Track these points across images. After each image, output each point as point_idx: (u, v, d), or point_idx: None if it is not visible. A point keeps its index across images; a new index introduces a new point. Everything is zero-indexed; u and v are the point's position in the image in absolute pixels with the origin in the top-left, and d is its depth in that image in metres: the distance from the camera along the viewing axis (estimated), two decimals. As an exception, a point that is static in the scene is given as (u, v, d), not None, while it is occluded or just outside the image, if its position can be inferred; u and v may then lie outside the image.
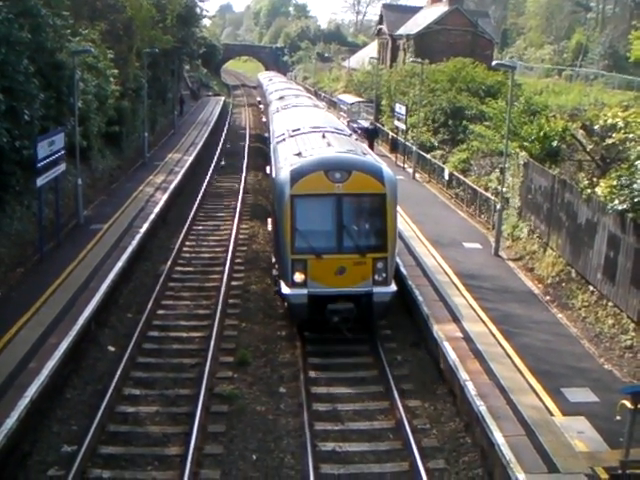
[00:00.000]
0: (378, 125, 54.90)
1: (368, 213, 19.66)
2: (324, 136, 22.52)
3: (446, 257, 25.03)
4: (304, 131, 24.48)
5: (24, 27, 24.79)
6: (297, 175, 18.82)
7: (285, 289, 19.10)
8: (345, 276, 18.85)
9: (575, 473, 12.94)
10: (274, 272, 21.95)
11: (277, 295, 21.33)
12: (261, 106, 72.73)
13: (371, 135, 50.50)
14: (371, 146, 46.85)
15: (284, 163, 20.36)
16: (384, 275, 19.13)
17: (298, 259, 18.75)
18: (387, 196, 19.03)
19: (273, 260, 22.70)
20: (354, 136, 26.80)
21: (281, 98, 43.13)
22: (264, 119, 54.42)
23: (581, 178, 24.64)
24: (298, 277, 18.79)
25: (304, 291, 18.77)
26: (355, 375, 18.24)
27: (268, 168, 27.66)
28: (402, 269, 23.17)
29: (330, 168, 18.90)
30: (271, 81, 70.76)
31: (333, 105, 72.85)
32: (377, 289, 19.05)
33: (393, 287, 19.49)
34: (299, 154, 20.30)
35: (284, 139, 24.21)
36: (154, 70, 52.13)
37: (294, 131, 24.82)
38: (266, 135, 39.42)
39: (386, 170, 19.66)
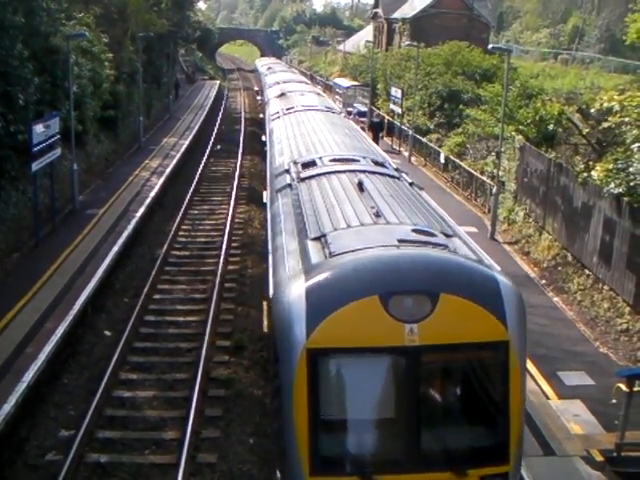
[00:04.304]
0: (377, 111, 54.64)
1: (472, 385, 9.67)
2: (362, 187, 13.06)
3: (442, 241, 24.89)
4: (324, 170, 15.14)
5: (18, 11, 24.62)
6: (321, 303, 9.02)
7: None
8: None
9: (571, 456, 13.03)
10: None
11: None
12: (259, 97, 62.66)
13: (376, 129, 47.06)
14: (376, 140, 41.35)
15: (289, 256, 10.91)
16: None
17: None
18: (511, 345, 9.23)
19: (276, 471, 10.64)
20: (406, 176, 16.17)
21: (282, 95, 34.32)
22: (262, 115, 45.46)
23: (577, 162, 24.64)
24: None
25: None
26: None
27: (265, 196, 17.72)
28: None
29: (393, 287, 9.04)
30: (270, 70, 64.42)
31: (329, 89, 72.61)
32: None
33: None
34: (321, 239, 10.78)
35: (289, 185, 14.64)
36: (149, 54, 51.97)
37: (306, 168, 15.66)
38: (264, 135, 29.87)
39: (506, 283, 9.60)
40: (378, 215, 11.42)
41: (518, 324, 9.36)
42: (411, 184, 15.28)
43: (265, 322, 11.60)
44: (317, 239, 10.81)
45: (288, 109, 27.75)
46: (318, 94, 39.91)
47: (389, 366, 9.32)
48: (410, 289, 9.05)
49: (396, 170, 16.41)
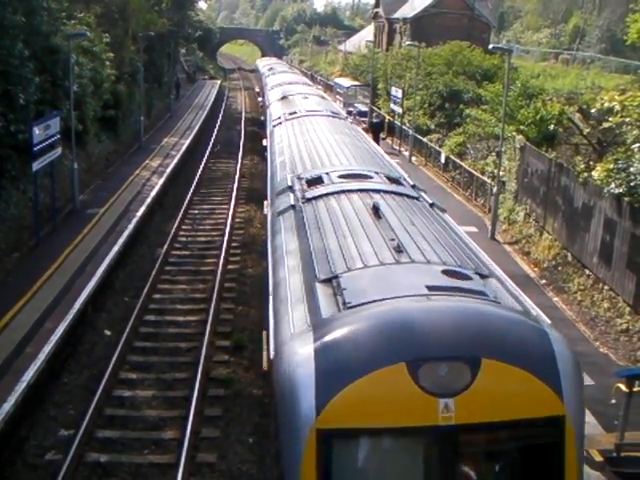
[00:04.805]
0: (377, 111, 54.59)
1: (520, 471, 7.70)
2: (377, 212, 11.23)
3: (442, 241, 24.83)
4: (333, 188, 13.22)
5: (18, 10, 24.62)
6: (334, 372, 7.12)
7: None
8: None
9: (570, 456, 12.98)
10: None
11: None
12: (259, 98, 58.33)
13: (377, 129, 46.65)
14: (376, 141, 39.34)
15: (293, 304, 8.82)
16: None
17: None
18: (568, 421, 7.35)
19: None
20: (425, 195, 13.99)
21: (284, 98, 32.45)
22: (262, 117, 42.34)
23: (578, 162, 24.62)
24: None
25: None
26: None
27: (265, 205, 16.33)
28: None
29: (424, 353, 7.19)
30: (271, 70, 61.37)
31: (329, 89, 72.61)
32: None
33: None
34: (332, 282, 8.83)
35: (293, 207, 12.68)
36: (150, 54, 51.96)
37: (312, 185, 13.82)
38: (265, 139, 26.74)
39: (559, 341, 7.78)
40: (400, 250, 9.51)
41: (575, 394, 7.47)
42: (432, 205, 13.14)
43: (264, 356, 9.57)
44: (327, 281, 8.87)
45: (291, 114, 25.69)
46: (322, 97, 37.43)
47: (419, 450, 7.32)
48: (445, 354, 7.17)
49: (413, 188, 14.31)
